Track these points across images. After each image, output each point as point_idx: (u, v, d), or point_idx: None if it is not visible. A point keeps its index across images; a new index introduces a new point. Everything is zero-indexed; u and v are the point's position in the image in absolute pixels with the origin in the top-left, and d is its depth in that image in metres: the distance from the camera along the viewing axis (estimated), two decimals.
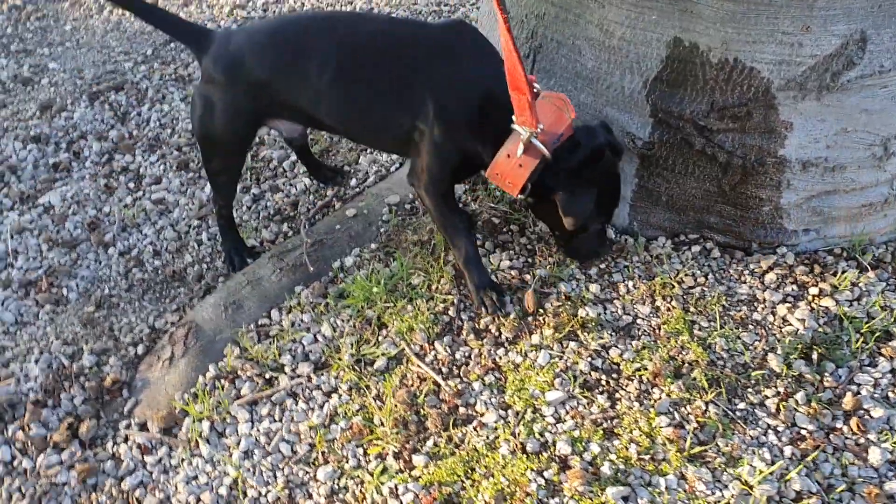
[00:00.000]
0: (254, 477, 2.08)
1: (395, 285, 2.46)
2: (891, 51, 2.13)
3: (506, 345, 2.28)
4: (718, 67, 2.20)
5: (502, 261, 2.49)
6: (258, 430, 2.18)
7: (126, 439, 2.23)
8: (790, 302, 2.32)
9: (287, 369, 2.31)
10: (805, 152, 2.28)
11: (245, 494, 2.06)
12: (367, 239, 2.66)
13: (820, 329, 2.25)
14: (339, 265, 2.57)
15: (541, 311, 2.34)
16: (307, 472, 2.09)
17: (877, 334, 2.22)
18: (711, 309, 2.31)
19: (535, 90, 2.01)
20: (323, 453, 2.12)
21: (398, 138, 2.26)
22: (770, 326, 2.28)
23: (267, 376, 2.31)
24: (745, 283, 2.39)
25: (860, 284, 2.35)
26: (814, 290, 2.34)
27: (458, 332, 2.34)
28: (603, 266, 2.46)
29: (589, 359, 2.21)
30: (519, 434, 2.07)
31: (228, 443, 2.17)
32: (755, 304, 2.33)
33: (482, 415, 2.13)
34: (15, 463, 2.19)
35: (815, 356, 2.18)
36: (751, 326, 2.28)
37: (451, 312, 2.37)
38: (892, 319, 2.26)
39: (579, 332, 2.28)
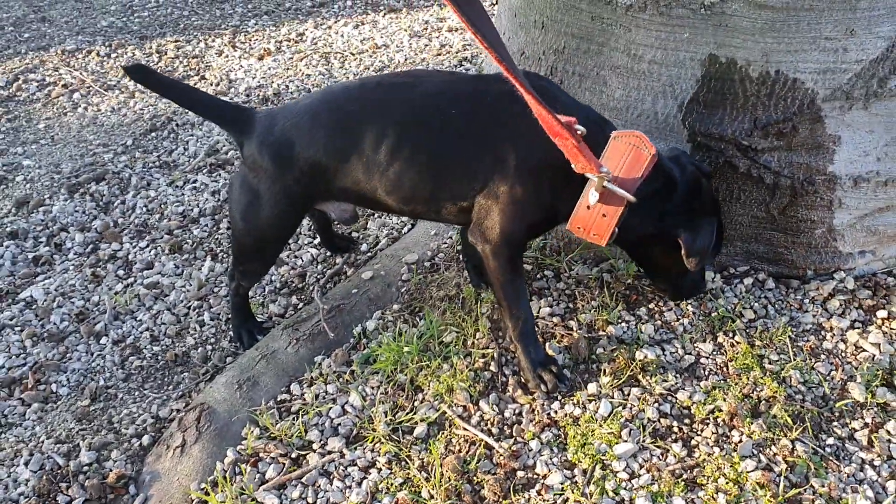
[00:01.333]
0: None
1: (426, 344, 2.23)
2: None
3: (560, 397, 2.05)
4: (759, 82, 2.07)
5: (542, 308, 2.28)
6: None
7: None
8: (859, 327, 2.14)
9: (316, 446, 2.05)
10: (855, 167, 2.14)
11: None
12: (388, 300, 2.44)
13: (893, 353, 2.06)
14: (361, 330, 2.34)
15: (593, 357, 2.13)
16: None
17: None
18: (779, 340, 2.12)
19: (578, 131, 1.78)
20: None
21: (467, 203, 2.00)
22: (844, 354, 2.09)
23: (294, 455, 2.04)
24: (807, 311, 2.21)
25: None
26: (882, 314, 2.16)
27: (504, 389, 2.11)
28: (651, 305, 2.27)
29: (656, 404, 1.99)
30: (591, 494, 1.82)
31: None
32: (823, 332, 2.15)
33: (545, 476, 1.88)
34: None
35: None
36: (823, 356, 2.09)
37: (492, 367, 2.15)
38: None
39: (640, 377, 2.06)
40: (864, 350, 2.08)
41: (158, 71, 2.02)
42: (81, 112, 4.18)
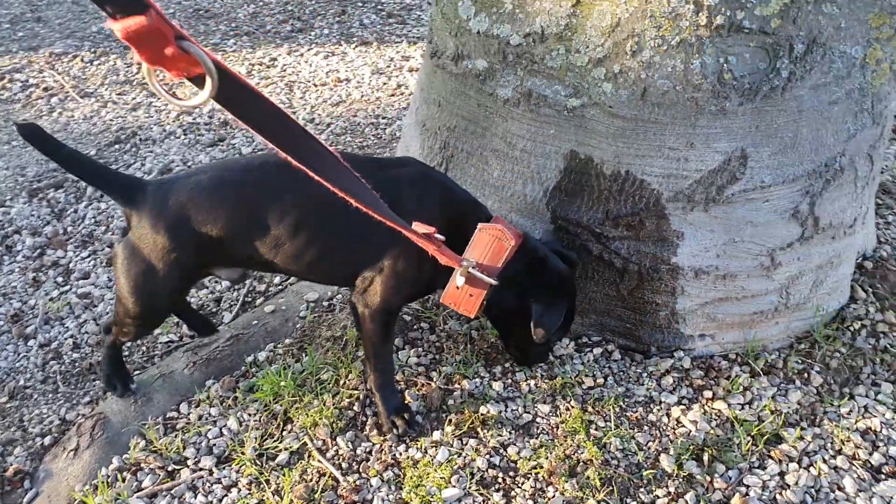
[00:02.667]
0: None
1: (305, 380, 2.50)
2: (770, 168, 2.29)
3: (407, 441, 2.31)
4: (612, 179, 2.34)
5: (410, 357, 2.55)
6: None
7: None
8: (685, 404, 2.40)
9: (190, 462, 2.32)
10: (697, 260, 2.40)
11: None
12: (282, 334, 2.71)
13: (711, 431, 2.32)
14: (253, 360, 2.62)
15: (444, 407, 2.40)
16: None
17: (766, 437, 2.30)
18: (609, 409, 2.38)
19: (437, 238, 2.00)
20: None
21: (355, 274, 2.25)
22: (664, 428, 2.35)
23: (170, 469, 2.31)
24: (642, 384, 2.47)
25: (752, 389, 2.44)
26: (708, 394, 2.42)
27: (362, 428, 2.37)
28: (507, 365, 2.53)
29: (487, 456, 2.26)
30: None
31: None
32: (651, 405, 2.41)
33: None
34: None
35: (706, 457, 2.24)
36: (646, 427, 2.35)
37: (356, 408, 2.42)
38: (781, 423, 2.34)
39: (479, 430, 2.33)
40: (683, 426, 2.34)
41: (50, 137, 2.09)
42: (56, 117, 4.47)
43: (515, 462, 2.25)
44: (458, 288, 2.17)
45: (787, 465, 2.25)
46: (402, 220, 1.84)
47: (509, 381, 2.49)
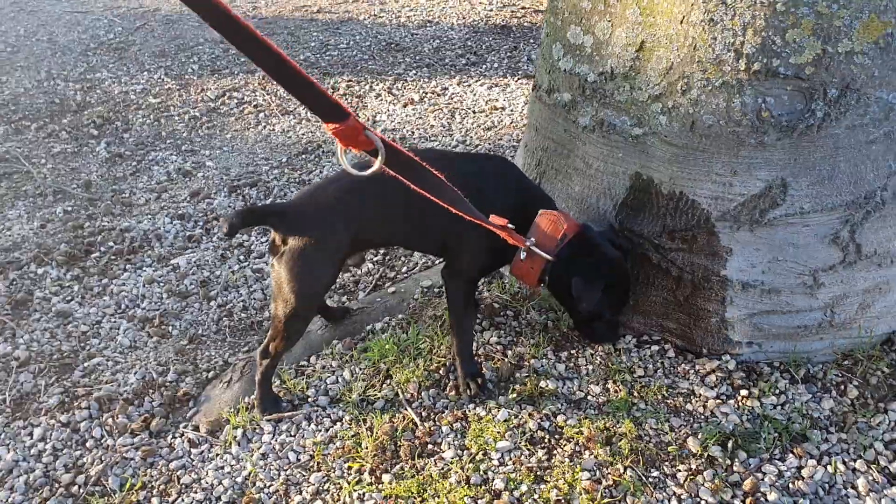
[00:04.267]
0: (264, 472, 2.71)
1: (406, 347, 3.08)
2: (809, 196, 2.60)
3: (477, 401, 2.82)
4: (668, 198, 2.74)
5: (493, 337, 3.06)
6: (276, 441, 2.82)
7: (182, 435, 2.93)
8: (721, 399, 2.74)
9: (310, 399, 2.96)
10: (744, 275, 2.74)
11: (254, 484, 2.68)
12: (398, 311, 3.31)
13: (741, 424, 2.65)
14: (371, 328, 3.23)
15: (512, 378, 2.89)
16: (303, 475, 2.69)
17: (792, 435, 2.60)
18: (651, 395, 2.77)
19: (508, 227, 2.49)
20: (318, 463, 2.72)
21: (444, 247, 2.84)
22: (698, 416, 2.70)
23: (295, 403, 2.96)
24: (688, 379, 2.83)
25: (788, 393, 2.74)
26: (744, 392, 2.75)
27: (444, 388, 2.91)
28: (574, 351, 2.98)
29: (539, 420, 2.72)
30: (467, 469, 2.59)
31: (253, 447, 2.81)
32: (691, 397, 2.77)
33: (444, 451, 2.67)
34: (102, 440, 2.93)
35: (730, 444, 2.58)
36: (682, 414, 2.71)
37: (441, 371, 2.96)
38: (809, 425, 2.63)
39: (537, 399, 2.80)
40: (716, 416, 2.69)
41: None
42: (260, 129, 5.37)
43: (562, 428, 2.70)
44: (521, 261, 2.67)
45: (807, 461, 2.54)
46: (483, 216, 2.38)
47: (571, 364, 2.93)
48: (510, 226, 2.50)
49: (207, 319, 3.58)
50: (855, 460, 2.53)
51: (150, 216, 4.39)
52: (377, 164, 1.87)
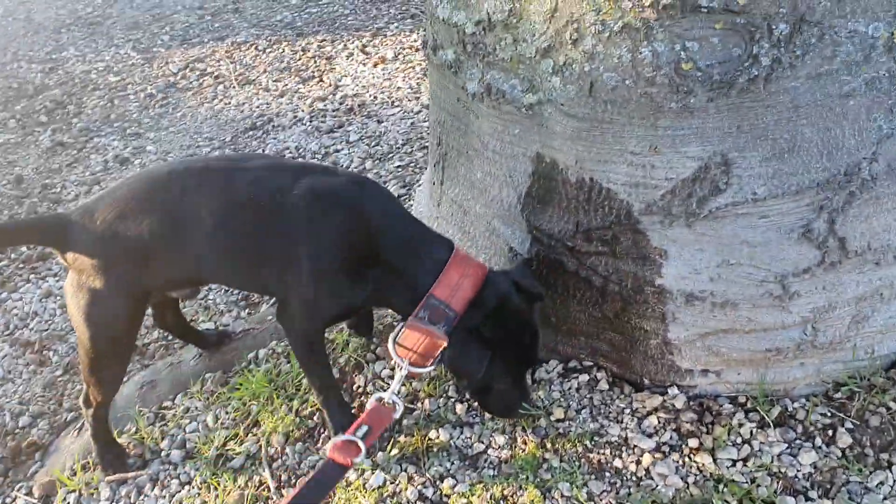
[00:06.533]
0: None
1: (284, 384, 2.47)
2: (764, 176, 1.85)
3: None
4: (577, 187, 2.03)
5: (384, 370, 2.43)
6: None
7: (14, 501, 2.42)
8: (662, 452, 2.04)
9: (163, 453, 2.40)
10: (687, 283, 2.02)
11: None
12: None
13: (685, 489, 1.95)
14: (254, 356, 2.64)
15: (397, 427, 2.25)
16: None
17: None
18: (570, 448, 2.09)
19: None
20: None
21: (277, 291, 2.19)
22: (628, 477, 2.02)
23: (147, 457, 2.40)
24: (620, 422, 2.14)
25: (753, 442, 2.02)
26: (693, 443, 2.04)
27: (317, 440, 2.30)
28: None
29: (420, 486, 2.09)
30: None
31: None
32: (622, 448, 2.08)
33: None
34: None
35: None
36: (607, 474, 2.03)
37: (316, 418, 2.35)
38: (781, 489, 1.91)
39: (423, 456, 2.16)
40: (651, 479, 1.99)
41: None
42: (214, 104, 4.80)
43: (448, 497, 2.06)
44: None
45: None
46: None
47: (475, 404, 2.27)
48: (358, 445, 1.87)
49: None
50: None
51: None
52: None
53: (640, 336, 2.13)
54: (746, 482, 1.94)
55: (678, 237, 1.97)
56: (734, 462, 1.99)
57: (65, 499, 2.34)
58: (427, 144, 3.51)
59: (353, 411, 2.27)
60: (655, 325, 2.09)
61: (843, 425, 2.01)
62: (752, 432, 2.03)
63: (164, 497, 2.28)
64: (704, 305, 2.03)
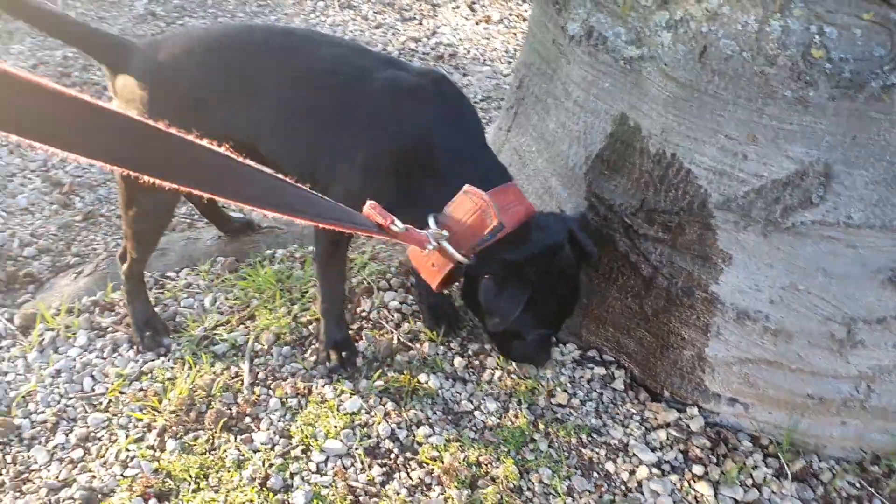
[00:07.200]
0: (44, 393, 2.06)
1: (292, 287, 2.33)
2: (865, 201, 1.63)
3: (334, 378, 2.05)
4: (655, 160, 1.83)
5: (394, 300, 2.26)
6: (81, 359, 2.16)
7: None
8: (661, 470, 1.84)
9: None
10: (743, 299, 1.81)
11: (25, 405, 2.04)
12: (310, 241, 2.55)
13: None
14: (272, 253, 2.50)
15: (389, 360, 2.09)
16: (84, 412, 2.02)
17: None
18: (563, 437, 1.90)
19: (397, 226, 1.49)
20: (109, 402, 2.04)
21: (312, 178, 1.92)
22: (616, 484, 1.82)
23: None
24: (625, 428, 1.94)
25: (765, 489, 1.80)
26: (698, 469, 1.83)
27: (305, 349, 2.15)
28: (487, 346, 2.14)
29: (395, 425, 1.92)
30: (270, 466, 1.84)
31: (53, 357, 2.17)
32: (619, 454, 1.88)
33: (258, 431, 1.93)
34: None
35: None
36: (594, 475, 1.84)
37: (312, 328, 2.20)
38: None
39: (406, 397, 1.99)
40: (641, 493, 1.80)
41: None
42: (309, 17, 4.68)
43: (419, 444, 1.89)
44: (420, 252, 1.75)
45: None
46: (346, 214, 1.42)
47: (477, 362, 2.10)
48: (397, 224, 1.58)
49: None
50: None
51: None
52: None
53: (674, 343, 1.93)
54: None
55: (749, 244, 1.76)
56: (737, 503, 1.77)
57: (41, 335, 2.23)
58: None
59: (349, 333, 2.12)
60: (695, 336, 1.89)
61: (870, 501, 1.78)
62: (765, 478, 1.82)
63: (137, 361, 2.15)
64: (755, 328, 1.81)
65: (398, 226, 1.47)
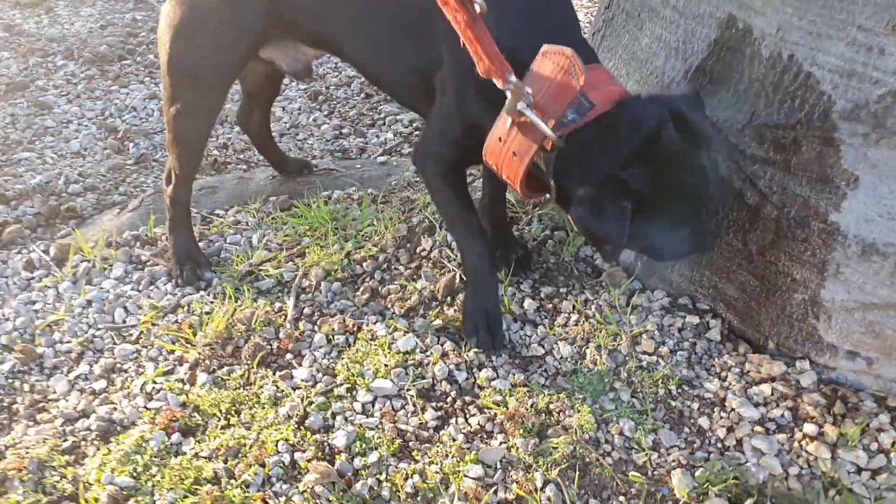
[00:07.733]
0: (72, 323, 1.89)
1: (346, 227, 2.12)
2: None
3: (387, 315, 1.83)
4: (769, 64, 1.57)
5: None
6: (115, 290, 1.99)
7: (30, 252, 2.16)
8: (765, 427, 1.55)
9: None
10: (871, 230, 1.52)
11: (51, 333, 1.87)
12: (374, 184, 2.36)
13: (781, 479, 1.46)
14: (329, 194, 2.30)
15: (450, 298, 1.86)
16: (112, 343, 1.85)
17: None
18: (649, 387, 1.64)
19: (476, 9, 1.36)
20: (141, 334, 1.86)
21: (412, 88, 1.75)
22: (711, 441, 1.55)
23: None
24: (723, 380, 1.66)
25: (893, 455, 1.50)
26: (810, 428, 1.54)
27: (357, 287, 1.93)
28: (562, 290, 1.88)
29: (453, 366, 1.69)
30: (311, 403, 1.62)
31: (86, 288, 2.00)
32: (715, 408, 1.60)
33: (300, 368, 1.72)
34: None
35: None
36: (685, 430, 1.57)
37: (366, 266, 1.98)
38: None
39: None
40: (741, 451, 1.52)
41: None
42: None
43: (480, 388, 1.65)
44: (500, 140, 1.50)
45: None
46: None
47: (550, 305, 1.85)
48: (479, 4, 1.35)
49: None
50: None
51: None
52: None
53: (783, 285, 1.64)
54: (868, 498, 1.43)
55: (881, 162, 1.48)
56: (859, 469, 1.48)
57: (76, 265, 2.07)
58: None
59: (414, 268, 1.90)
60: (809, 276, 1.60)
61: None
62: (894, 443, 1.51)
63: (175, 294, 1.97)
64: (885, 265, 1.52)
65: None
